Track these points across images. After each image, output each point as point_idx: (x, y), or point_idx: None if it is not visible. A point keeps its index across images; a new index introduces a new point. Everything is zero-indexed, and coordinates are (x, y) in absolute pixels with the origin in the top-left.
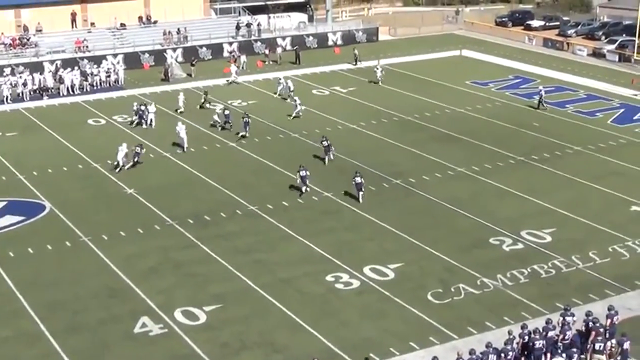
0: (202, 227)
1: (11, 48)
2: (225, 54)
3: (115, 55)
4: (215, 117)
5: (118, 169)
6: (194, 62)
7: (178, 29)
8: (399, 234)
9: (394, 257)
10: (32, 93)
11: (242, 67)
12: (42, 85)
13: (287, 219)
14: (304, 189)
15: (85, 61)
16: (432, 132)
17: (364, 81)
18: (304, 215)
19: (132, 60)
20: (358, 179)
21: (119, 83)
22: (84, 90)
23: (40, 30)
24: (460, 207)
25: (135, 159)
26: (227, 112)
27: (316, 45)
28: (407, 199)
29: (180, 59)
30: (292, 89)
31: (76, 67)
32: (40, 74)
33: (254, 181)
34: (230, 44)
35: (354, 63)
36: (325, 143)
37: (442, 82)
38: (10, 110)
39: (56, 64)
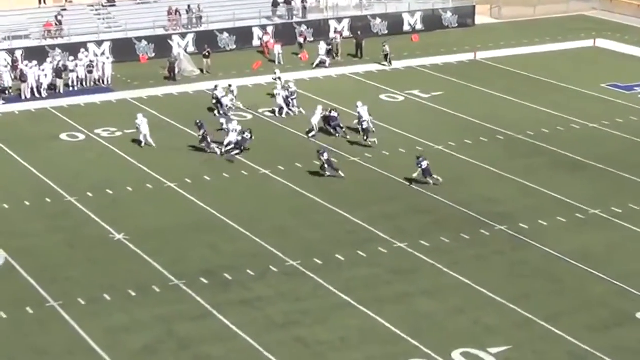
0: (221, 290)
1: None
2: (256, 41)
3: (99, 44)
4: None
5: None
6: (207, 53)
7: (189, 7)
8: (504, 304)
9: (496, 337)
10: None
11: (279, 61)
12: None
13: (341, 279)
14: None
15: (58, 51)
16: (552, 157)
17: (455, 82)
18: (366, 274)
19: (123, 50)
20: (424, 163)
21: (105, 82)
22: (56, 91)
23: None
24: (593, 266)
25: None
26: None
27: (386, 31)
28: (516, 253)
29: (191, 48)
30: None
31: (45, 60)
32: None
33: (295, 224)
34: (264, 27)
35: (387, 63)
36: (424, 164)
37: (566, 85)
38: None
39: (15, 55)
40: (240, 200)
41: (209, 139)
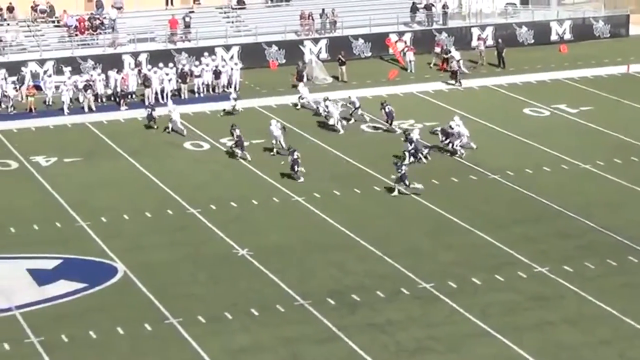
0: (348, 312)
1: (77, 33)
2: (401, 45)
3: (227, 48)
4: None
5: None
6: (343, 60)
7: (323, 11)
8: None
9: None
10: (102, 100)
11: (410, 69)
12: (120, 90)
13: (478, 304)
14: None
15: (184, 55)
16: None
17: (605, 97)
18: (504, 300)
19: (252, 55)
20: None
21: (233, 89)
22: (181, 97)
23: (120, 8)
24: None
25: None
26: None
27: (532, 41)
28: None
29: (324, 55)
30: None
31: (170, 64)
32: (118, 72)
33: (430, 246)
34: (401, 34)
35: (455, 82)
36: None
37: None
38: (70, 125)
39: (137, 59)
40: (371, 217)
41: (242, 145)
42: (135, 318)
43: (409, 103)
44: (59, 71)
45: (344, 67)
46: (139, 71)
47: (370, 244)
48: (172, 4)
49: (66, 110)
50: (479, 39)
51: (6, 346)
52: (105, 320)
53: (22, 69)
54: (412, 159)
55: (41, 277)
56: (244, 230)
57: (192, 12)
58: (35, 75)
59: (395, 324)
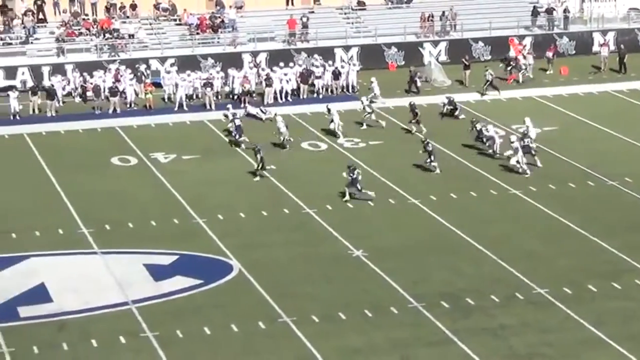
0: (462, 315)
1: (199, 32)
2: (512, 53)
3: (347, 49)
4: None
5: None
6: (467, 63)
7: (443, 12)
8: None
9: None
10: (218, 98)
11: (527, 73)
12: (241, 88)
13: (594, 311)
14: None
15: (303, 55)
16: None
17: None
18: (620, 307)
19: (371, 56)
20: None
21: (351, 90)
22: (300, 97)
23: (240, 7)
24: None
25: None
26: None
27: None
28: None
29: (443, 57)
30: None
31: (290, 64)
32: (238, 70)
33: (544, 250)
34: (521, 38)
35: (482, 90)
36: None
37: None
38: (190, 122)
39: (254, 59)
40: (486, 220)
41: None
42: (249, 315)
43: (527, 107)
44: (178, 69)
45: (467, 72)
46: (258, 70)
47: (485, 248)
48: (292, 3)
49: (185, 107)
50: (601, 44)
51: (122, 339)
52: (219, 316)
53: (142, 65)
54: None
55: (157, 273)
56: (359, 231)
57: (312, 12)
58: (155, 73)
59: (509, 328)
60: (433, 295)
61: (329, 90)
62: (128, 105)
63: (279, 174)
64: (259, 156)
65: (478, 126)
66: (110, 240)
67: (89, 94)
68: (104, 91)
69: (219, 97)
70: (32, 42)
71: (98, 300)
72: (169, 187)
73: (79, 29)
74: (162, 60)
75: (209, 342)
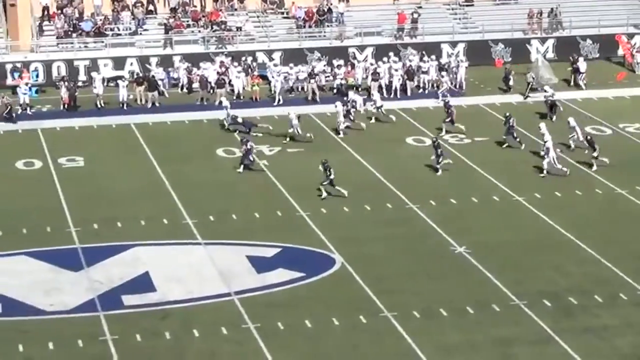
0: (564, 314)
1: (304, 24)
2: (620, 51)
3: (453, 45)
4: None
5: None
6: (576, 63)
7: (552, 10)
8: None
9: None
10: (314, 91)
11: (638, 71)
12: (344, 82)
13: None
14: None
15: (410, 50)
16: None
17: None
18: None
19: (478, 52)
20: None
21: (458, 86)
22: (406, 93)
23: (347, 0)
24: None
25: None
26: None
27: None
28: None
29: (550, 54)
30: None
31: (397, 59)
32: (345, 65)
33: None
34: (630, 36)
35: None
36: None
37: None
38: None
39: (353, 54)
40: (592, 220)
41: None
42: (351, 309)
43: (637, 106)
44: (284, 61)
45: (574, 70)
46: (364, 64)
47: (589, 247)
48: None
49: (280, 100)
50: None
51: (224, 330)
52: (321, 310)
53: (249, 58)
54: None
55: (260, 265)
56: (462, 227)
57: (420, 7)
58: (261, 65)
59: (612, 329)
60: (535, 294)
61: (434, 85)
62: (235, 97)
63: (382, 169)
64: (243, 147)
65: (511, 121)
66: (214, 231)
67: (195, 85)
68: (210, 83)
69: (324, 90)
70: (140, 33)
71: (201, 291)
72: (274, 179)
73: (187, 21)
74: (269, 53)
75: (309, 335)
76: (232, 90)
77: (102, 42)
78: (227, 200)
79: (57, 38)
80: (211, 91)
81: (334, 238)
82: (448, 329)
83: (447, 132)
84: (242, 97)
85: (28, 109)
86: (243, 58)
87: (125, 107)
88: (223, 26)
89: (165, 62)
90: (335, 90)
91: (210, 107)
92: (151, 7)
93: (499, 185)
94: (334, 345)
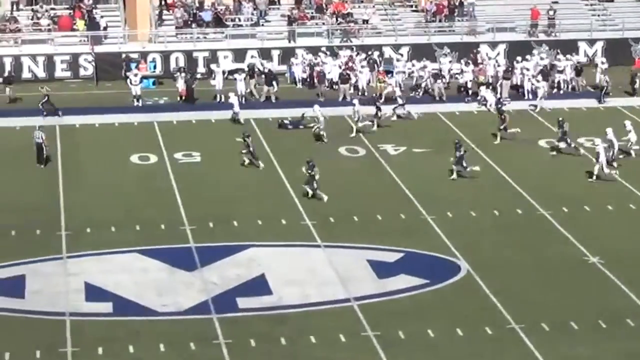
0: None
1: (434, 19)
2: None
3: (591, 43)
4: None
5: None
6: None
7: None
8: None
9: None
10: (441, 90)
11: None
12: (474, 80)
13: None
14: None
15: (544, 48)
16: None
17: None
18: None
19: (617, 51)
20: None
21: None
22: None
23: None
24: None
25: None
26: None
27: None
28: None
29: None
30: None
31: (528, 56)
32: (474, 62)
33: None
34: None
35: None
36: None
37: None
38: (421, 114)
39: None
40: None
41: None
42: (476, 320)
43: None
44: (412, 57)
45: None
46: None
47: None
48: None
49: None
50: None
51: (342, 337)
52: (444, 319)
53: (375, 53)
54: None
55: (381, 270)
56: (596, 236)
57: (556, 2)
58: (387, 61)
59: None
60: None
61: (570, 86)
62: (360, 93)
63: (513, 172)
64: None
65: (565, 126)
66: (334, 233)
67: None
68: (333, 78)
69: (449, 88)
70: (262, 25)
71: (319, 295)
72: (398, 180)
73: (311, 12)
74: (396, 47)
75: (431, 345)
76: (356, 86)
77: (223, 32)
78: (349, 201)
79: (176, 28)
80: (333, 86)
81: (459, 243)
82: (578, 343)
83: (501, 139)
84: (366, 93)
85: (138, 100)
86: (370, 52)
87: (244, 102)
88: (348, 18)
89: (287, 55)
90: (462, 89)
91: (331, 102)
92: None
93: (635, 193)
94: (456, 357)
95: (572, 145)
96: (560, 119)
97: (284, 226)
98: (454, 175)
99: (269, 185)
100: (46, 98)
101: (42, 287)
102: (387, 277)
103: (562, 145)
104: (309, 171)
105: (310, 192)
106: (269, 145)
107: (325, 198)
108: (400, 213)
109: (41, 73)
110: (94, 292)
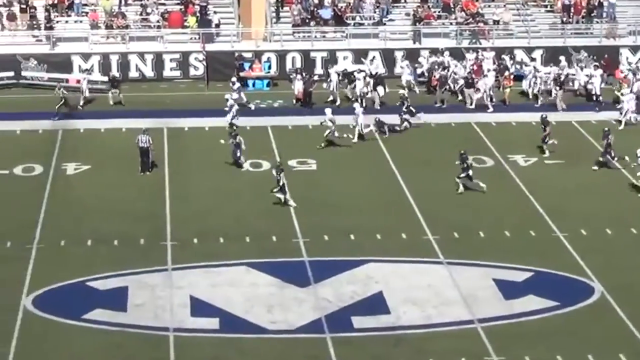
0: None
1: (570, 20)
2: None
3: None
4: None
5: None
6: None
7: None
8: None
9: None
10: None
11: None
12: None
13: None
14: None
15: None
16: None
17: None
18: None
19: None
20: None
21: None
22: None
23: None
24: None
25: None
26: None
27: None
28: None
29: None
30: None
31: None
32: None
33: None
34: None
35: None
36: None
37: None
38: (555, 123)
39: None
40: None
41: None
42: (610, 346)
43: None
44: (547, 62)
45: None
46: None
47: None
48: None
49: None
50: None
51: None
52: (575, 345)
53: (506, 56)
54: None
55: (508, 290)
56: None
57: None
58: (519, 64)
59: None
60: None
61: None
62: (487, 99)
63: None
64: (232, 142)
65: (611, 137)
66: (457, 250)
67: (436, 84)
68: (456, 82)
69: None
70: (385, 24)
71: (440, 316)
72: (527, 193)
73: (438, 11)
74: (529, 50)
75: None
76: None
77: (343, 32)
78: (475, 215)
79: (292, 26)
80: (457, 92)
81: (593, 263)
82: None
83: (549, 151)
84: (492, 99)
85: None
86: (502, 55)
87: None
88: (478, 18)
89: (412, 56)
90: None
91: (453, 108)
92: None
93: None
94: None
95: (616, 158)
96: (606, 129)
97: (405, 241)
98: (461, 189)
99: (389, 197)
100: (63, 101)
101: (145, 300)
102: (514, 298)
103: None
104: (277, 176)
105: (283, 198)
106: (390, 154)
107: (294, 205)
108: (530, 229)
109: (149, 72)
110: (199, 307)
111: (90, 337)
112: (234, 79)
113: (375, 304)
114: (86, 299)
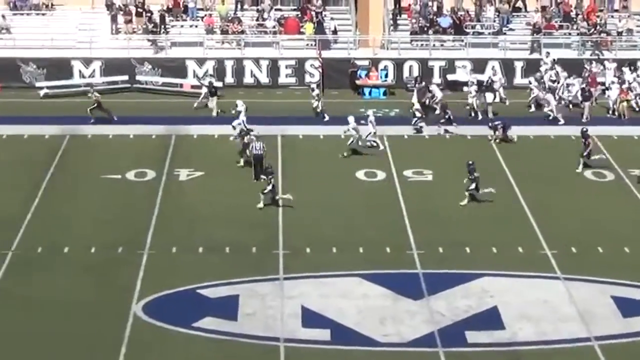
0: None
1: None
2: None
3: None
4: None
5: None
6: None
7: None
8: None
9: None
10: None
11: None
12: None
13: None
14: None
15: None
16: None
17: None
18: None
19: None
20: None
21: None
22: None
23: None
24: None
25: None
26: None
27: None
28: None
29: None
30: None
31: None
32: None
33: None
34: None
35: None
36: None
37: None
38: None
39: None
40: None
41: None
42: None
43: None
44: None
45: None
46: None
47: None
48: None
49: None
50: None
51: None
52: None
53: (625, 69)
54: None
55: (627, 308)
56: None
57: None
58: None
59: None
60: None
61: None
62: (610, 112)
63: None
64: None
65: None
66: (575, 265)
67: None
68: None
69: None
70: (505, 33)
71: (556, 332)
72: None
73: (559, 21)
74: None
75: None
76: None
77: (462, 40)
78: (594, 230)
79: (410, 34)
80: (563, 104)
81: None
82: None
83: (585, 166)
84: (615, 113)
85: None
86: (622, 67)
87: (474, 115)
88: (601, 29)
89: (531, 67)
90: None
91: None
92: (519, 4)
93: None
94: None
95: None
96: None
97: (521, 255)
98: (465, 201)
99: (506, 210)
100: (96, 104)
101: (256, 310)
102: (633, 316)
103: None
104: (267, 180)
105: (262, 205)
106: (507, 166)
107: (289, 197)
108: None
109: (264, 78)
110: (311, 318)
111: (200, 345)
112: (313, 85)
113: (490, 319)
114: (196, 306)
